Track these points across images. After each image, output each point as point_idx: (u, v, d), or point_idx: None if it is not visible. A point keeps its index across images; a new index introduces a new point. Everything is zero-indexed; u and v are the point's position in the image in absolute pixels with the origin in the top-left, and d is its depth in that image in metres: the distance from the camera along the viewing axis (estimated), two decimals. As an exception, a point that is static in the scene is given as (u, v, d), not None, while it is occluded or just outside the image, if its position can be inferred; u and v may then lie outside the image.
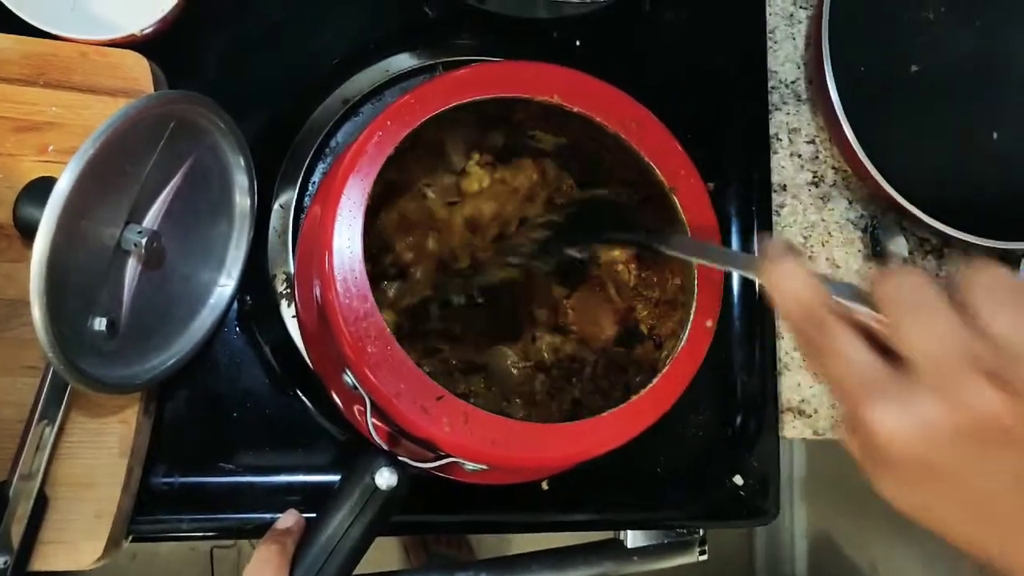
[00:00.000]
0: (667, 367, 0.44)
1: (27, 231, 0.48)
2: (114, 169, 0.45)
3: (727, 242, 0.66)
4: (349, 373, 0.43)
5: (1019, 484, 0.29)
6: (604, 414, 0.43)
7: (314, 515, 0.45)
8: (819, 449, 1.39)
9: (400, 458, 0.43)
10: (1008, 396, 0.27)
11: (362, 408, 0.49)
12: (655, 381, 0.44)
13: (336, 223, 0.42)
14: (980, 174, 0.70)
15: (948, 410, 0.28)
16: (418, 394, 0.41)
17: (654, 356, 0.49)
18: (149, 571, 1.27)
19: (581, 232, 0.53)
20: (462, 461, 0.43)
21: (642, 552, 0.67)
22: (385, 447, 0.44)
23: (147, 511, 0.54)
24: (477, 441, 0.41)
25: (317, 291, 0.47)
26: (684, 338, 0.45)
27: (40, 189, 0.48)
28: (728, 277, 0.65)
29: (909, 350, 0.29)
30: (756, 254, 0.41)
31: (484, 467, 0.44)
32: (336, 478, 0.56)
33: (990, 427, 0.28)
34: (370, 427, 0.43)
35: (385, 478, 0.42)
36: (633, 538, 0.67)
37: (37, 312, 0.41)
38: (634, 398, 0.43)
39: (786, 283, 0.33)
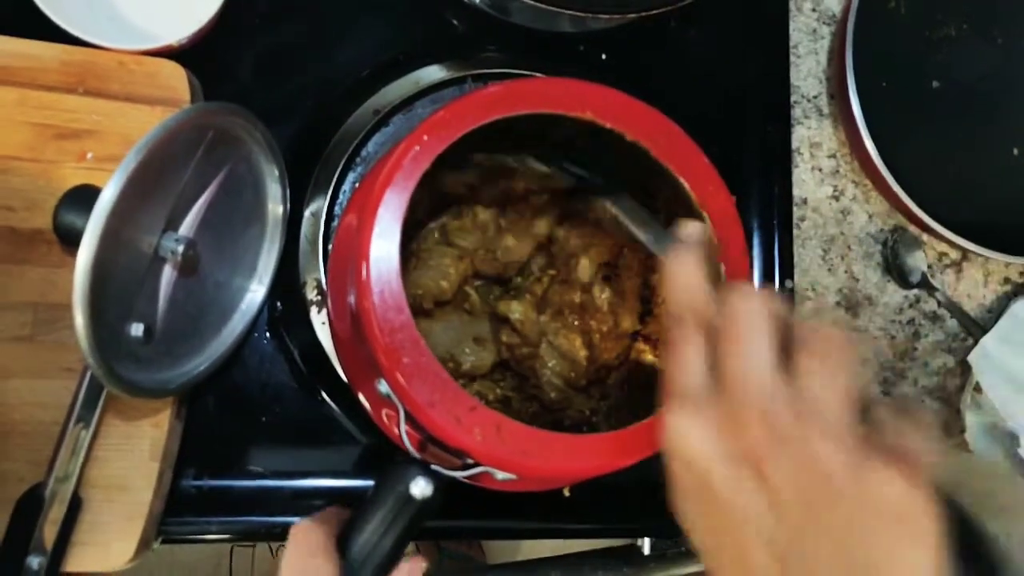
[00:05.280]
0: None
1: (67, 237, 0.49)
2: (154, 178, 0.45)
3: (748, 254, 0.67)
4: (383, 382, 0.44)
5: (749, 529, 0.30)
6: (633, 425, 0.43)
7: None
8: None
9: (433, 467, 0.44)
10: (770, 436, 0.29)
11: (391, 413, 0.50)
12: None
13: (374, 235, 0.42)
14: (999, 190, 0.71)
15: (726, 431, 0.30)
16: (452, 404, 0.41)
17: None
18: (167, 564, 1.29)
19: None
20: (493, 470, 0.44)
21: (659, 559, 0.68)
22: (418, 455, 0.45)
23: (176, 513, 0.54)
24: (509, 451, 0.41)
25: (352, 300, 0.47)
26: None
27: (80, 196, 0.49)
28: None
29: (724, 370, 0.31)
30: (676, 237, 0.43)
31: (514, 476, 0.44)
32: (362, 483, 0.57)
33: (746, 457, 0.29)
34: (403, 436, 0.44)
35: (420, 487, 0.42)
36: (650, 545, 0.68)
37: (80, 318, 0.42)
38: (661, 409, 0.44)
39: (681, 278, 0.35)
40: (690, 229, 0.37)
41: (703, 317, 0.33)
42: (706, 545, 0.32)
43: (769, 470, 0.29)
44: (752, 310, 0.32)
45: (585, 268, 0.54)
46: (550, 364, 0.55)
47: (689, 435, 0.31)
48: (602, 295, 0.54)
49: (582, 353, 0.55)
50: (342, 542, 0.43)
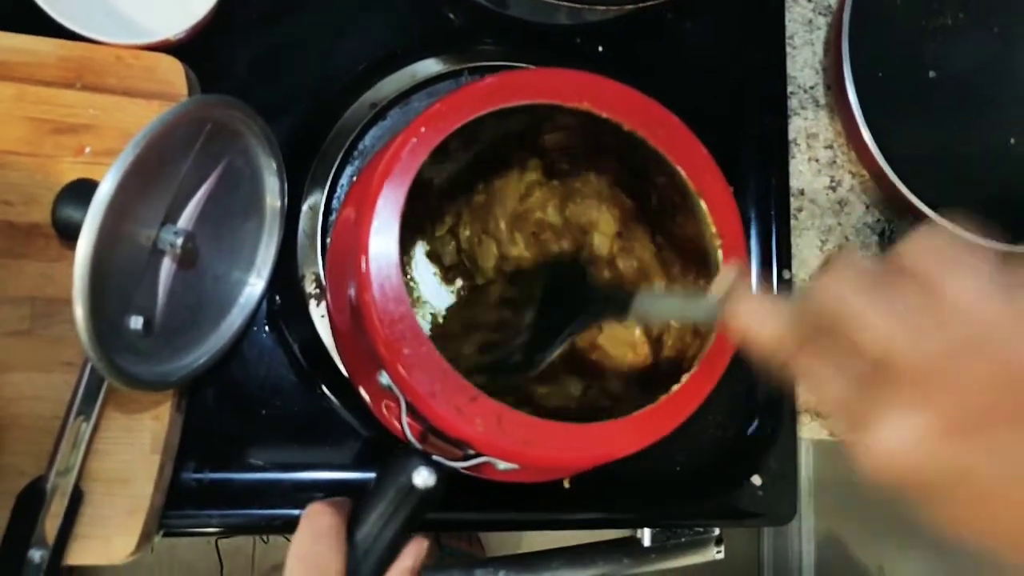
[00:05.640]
0: (695, 368, 0.45)
1: (66, 232, 0.49)
2: (152, 171, 0.45)
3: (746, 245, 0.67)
4: (384, 374, 0.44)
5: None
6: (634, 415, 0.43)
7: None
8: (827, 451, 1.39)
9: (434, 457, 0.44)
10: (997, 371, 0.25)
11: (391, 405, 0.50)
12: (683, 382, 0.45)
13: (373, 228, 0.43)
14: (996, 179, 0.71)
15: (937, 410, 0.25)
16: (453, 394, 0.41)
17: (680, 358, 0.50)
18: (166, 561, 1.29)
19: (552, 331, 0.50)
20: (494, 460, 0.44)
21: (659, 550, 0.68)
22: (420, 446, 0.45)
23: (177, 506, 0.54)
24: (510, 441, 0.42)
25: (352, 292, 0.47)
26: (710, 341, 0.46)
27: (78, 191, 0.49)
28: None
29: (862, 347, 0.27)
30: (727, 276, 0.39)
31: (516, 466, 0.44)
32: (362, 475, 0.57)
33: (988, 413, 0.25)
34: (405, 427, 0.44)
35: (423, 477, 0.42)
36: (651, 536, 0.68)
37: (80, 311, 0.41)
38: (663, 398, 0.44)
39: (751, 331, 0.32)
40: (720, 281, 0.35)
41: (796, 338, 0.31)
42: (998, 533, 0.27)
43: (988, 396, 0.25)
44: (830, 286, 0.28)
45: (600, 242, 0.54)
46: (612, 354, 0.55)
47: (891, 439, 0.26)
48: (629, 268, 0.54)
49: (642, 345, 0.54)
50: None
